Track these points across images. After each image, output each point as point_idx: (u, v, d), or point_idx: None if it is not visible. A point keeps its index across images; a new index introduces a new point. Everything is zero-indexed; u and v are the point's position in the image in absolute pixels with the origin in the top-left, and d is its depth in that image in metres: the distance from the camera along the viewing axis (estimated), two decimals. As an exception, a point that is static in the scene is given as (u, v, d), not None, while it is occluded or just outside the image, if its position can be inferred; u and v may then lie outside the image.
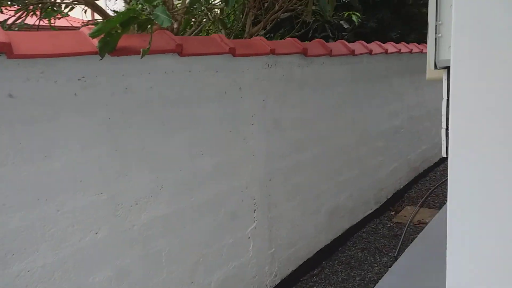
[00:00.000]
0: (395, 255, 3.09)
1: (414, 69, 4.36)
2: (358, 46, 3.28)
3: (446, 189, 0.81)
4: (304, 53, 2.57)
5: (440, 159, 5.48)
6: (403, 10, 4.76)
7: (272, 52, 2.29)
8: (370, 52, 3.35)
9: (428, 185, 4.65)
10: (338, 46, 3.07)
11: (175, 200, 1.86)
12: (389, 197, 4.03)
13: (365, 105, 3.47)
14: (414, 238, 3.24)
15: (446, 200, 0.80)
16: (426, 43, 1.05)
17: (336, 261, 3.04)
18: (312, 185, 2.88)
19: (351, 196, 3.39)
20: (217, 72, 2.04)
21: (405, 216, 3.82)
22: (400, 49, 3.82)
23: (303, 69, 2.68)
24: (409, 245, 2.37)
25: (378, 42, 3.60)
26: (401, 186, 4.30)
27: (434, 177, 4.95)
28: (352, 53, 3.11)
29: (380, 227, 3.62)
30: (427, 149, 4.98)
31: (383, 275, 2.11)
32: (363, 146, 3.50)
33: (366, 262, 3.02)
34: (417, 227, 3.52)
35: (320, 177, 2.97)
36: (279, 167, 2.51)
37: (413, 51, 4.13)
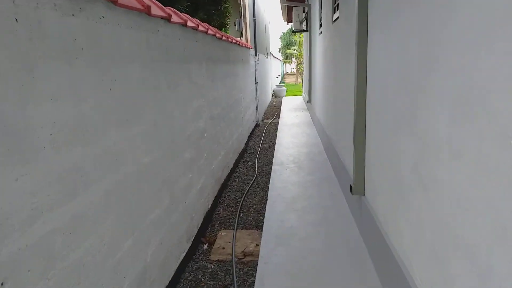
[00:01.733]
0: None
1: (210, 55, 3.50)
2: (153, 5, 2.04)
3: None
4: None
5: (233, 164, 4.94)
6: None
7: None
8: (168, 18, 2.18)
9: (234, 197, 3.94)
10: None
11: None
12: (200, 225, 3.01)
13: (169, 100, 2.28)
14: (250, 284, 2.33)
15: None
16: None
17: None
18: (102, 253, 1.46)
19: (162, 243, 2.14)
20: None
21: (223, 248, 2.89)
22: (198, 25, 2.83)
23: (64, 20, 1.23)
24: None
25: (173, 9, 2.47)
26: (209, 206, 3.36)
27: (235, 187, 4.31)
28: (148, 11, 1.86)
29: (200, 275, 2.53)
30: (226, 154, 4.29)
31: None
32: (171, 162, 2.29)
33: None
34: (246, 264, 2.65)
35: (113, 235, 1.57)
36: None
37: (208, 32, 3.24)
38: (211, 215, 3.39)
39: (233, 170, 4.81)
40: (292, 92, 19.62)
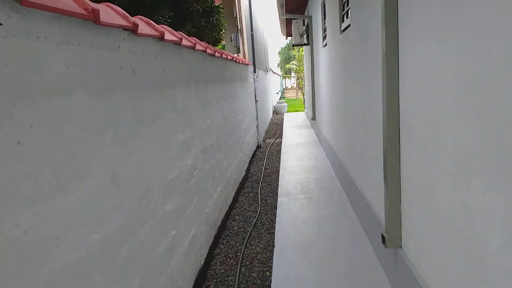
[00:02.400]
0: None
1: (200, 76, 2.92)
2: (106, 10, 1.44)
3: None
4: None
5: (233, 197, 4.30)
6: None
7: None
8: (133, 29, 1.58)
9: (233, 243, 3.29)
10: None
11: None
12: (190, 292, 2.34)
13: (139, 139, 1.66)
14: None
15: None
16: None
17: None
18: None
19: None
20: None
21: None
22: (181, 39, 2.24)
23: None
24: None
25: (144, 18, 1.88)
26: (202, 262, 2.71)
27: (235, 228, 3.66)
28: (94, 17, 1.26)
29: None
30: (223, 190, 3.65)
31: None
32: (142, 226, 1.66)
33: None
34: None
35: None
36: None
37: (196, 48, 2.65)
38: (205, 273, 2.73)
39: (232, 206, 4.16)
40: (293, 108, 19.09)
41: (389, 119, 2.06)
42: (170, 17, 2.78)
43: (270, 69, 15.39)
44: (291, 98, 31.10)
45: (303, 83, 23.58)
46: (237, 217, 4.00)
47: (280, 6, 8.59)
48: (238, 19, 6.58)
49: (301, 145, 7.74)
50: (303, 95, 17.29)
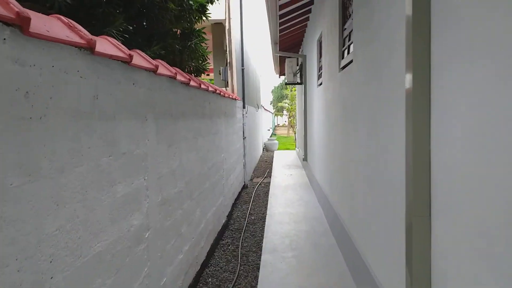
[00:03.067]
0: None
1: (166, 108, 2.33)
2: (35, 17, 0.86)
3: None
4: None
5: (208, 252, 3.58)
6: None
7: None
8: (20, 24, 1.00)
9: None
10: None
11: None
12: None
13: (35, 200, 1.02)
14: None
15: None
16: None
17: None
18: None
19: None
20: None
21: None
22: (130, 56, 1.66)
23: None
24: None
25: (58, 16, 1.30)
26: None
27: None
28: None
29: None
30: (193, 247, 2.95)
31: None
32: None
33: None
34: None
35: None
36: None
37: (159, 72, 2.07)
38: None
39: (205, 264, 3.44)
40: (284, 145, 18.61)
41: (416, 184, 1.45)
42: (131, 34, 2.22)
43: (262, 106, 15.04)
44: (282, 135, 30.80)
45: (294, 121, 23.35)
46: (210, 279, 3.27)
47: (274, 43, 8.28)
48: (228, 52, 6.15)
49: (291, 188, 7.10)
50: (295, 133, 16.88)
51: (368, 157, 2.55)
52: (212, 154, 3.92)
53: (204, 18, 3.79)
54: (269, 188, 7.22)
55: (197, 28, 3.39)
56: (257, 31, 12.43)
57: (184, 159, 2.80)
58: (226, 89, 6.45)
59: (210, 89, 3.59)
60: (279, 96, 41.26)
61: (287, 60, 9.48)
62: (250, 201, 6.23)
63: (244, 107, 7.26)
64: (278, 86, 42.22)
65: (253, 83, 10.22)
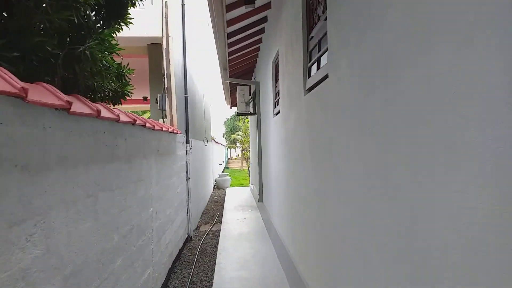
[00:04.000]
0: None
1: (30, 154, 1.14)
2: None
3: None
4: None
5: None
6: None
7: None
8: None
9: None
10: None
11: None
12: None
13: None
14: None
15: None
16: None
17: None
18: None
19: None
20: None
21: None
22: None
23: None
24: None
25: None
26: None
27: None
28: None
29: None
30: None
31: None
32: None
33: None
34: None
35: None
36: None
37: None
38: None
39: None
40: (237, 181, 17.45)
41: None
42: None
43: (212, 139, 13.91)
44: (236, 168, 29.67)
45: (248, 154, 22.40)
46: None
47: (223, 68, 7.33)
48: (165, 76, 5.04)
49: (245, 238, 5.91)
50: (248, 167, 15.85)
51: (364, 205, 1.52)
52: (130, 213, 2.70)
53: (125, 27, 2.70)
54: (218, 239, 5.98)
55: (115, 45, 2.29)
56: (206, 55, 11.49)
57: (60, 239, 1.58)
58: (163, 121, 5.28)
59: (124, 119, 2.43)
60: (232, 128, 40.37)
61: (238, 88, 8.55)
62: (194, 261, 4.94)
63: (188, 142, 6.10)
64: (231, 118, 41.46)
65: (200, 114, 9.12)
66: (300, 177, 3.27)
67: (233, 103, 12.40)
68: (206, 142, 9.86)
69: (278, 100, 4.84)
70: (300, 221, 3.36)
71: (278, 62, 4.68)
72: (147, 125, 3.11)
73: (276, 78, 5.03)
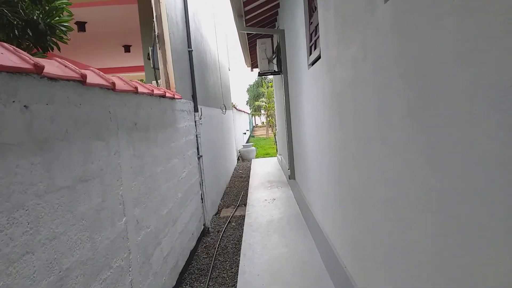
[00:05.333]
0: None
1: None
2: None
3: None
4: None
5: None
6: None
7: None
8: None
9: None
10: None
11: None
12: None
13: None
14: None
15: None
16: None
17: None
18: None
19: None
20: None
21: None
22: None
23: None
24: None
25: None
26: None
27: None
28: None
29: None
30: None
31: None
32: None
33: None
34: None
35: None
36: None
37: None
38: None
39: None
40: (263, 150, 16.15)
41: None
42: None
43: (233, 106, 12.50)
44: (261, 136, 28.34)
45: (273, 120, 20.89)
46: None
47: (237, 15, 5.79)
48: (155, 19, 3.61)
49: (275, 229, 4.61)
50: (274, 135, 14.45)
51: None
52: (53, 251, 1.39)
53: None
54: (242, 231, 4.72)
55: None
56: (220, 6, 9.83)
57: None
58: (157, 84, 3.90)
59: (23, 66, 1.05)
60: (255, 94, 38.42)
61: (258, 42, 7.00)
62: (209, 268, 3.70)
63: (196, 110, 4.74)
64: (253, 84, 39.52)
65: (214, 76, 7.67)
66: (357, 146, 1.86)
67: (254, 64, 10.83)
68: (224, 110, 8.48)
69: (315, 41, 3.33)
70: (358, 213, 1.97)
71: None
72: (95, 81, 1.73)
73: (311, 10, 3.48)
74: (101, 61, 9.22)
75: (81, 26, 5.39)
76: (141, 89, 2.43)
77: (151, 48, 3.89)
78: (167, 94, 3.22)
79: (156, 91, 2.83)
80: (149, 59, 4.07)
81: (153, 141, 2.77)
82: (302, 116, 4.44)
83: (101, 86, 1.83)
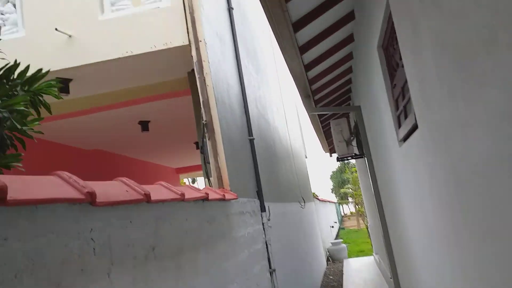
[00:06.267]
0: None
1: None
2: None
3: None
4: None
5: None
6: None
7: None
8: None
9: None
10: None
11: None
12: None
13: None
14: None
15: None
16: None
17: None
18: None
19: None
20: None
21: None
22: None
23: None
24: None
25: None
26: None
27: None
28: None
29: None
30: None
31: None
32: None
33: None
34: None
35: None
36: None
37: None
38: None
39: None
40: (356, 246, 14.16)
41: None
42: None
43: (314, 197, 11.41)
44: (352, 228, 25.77)
45: (363, 210, 18.89)
46: None
47: (304, 96, 5.21)
48: (202, 104, 3.10)
49: None
50: (367, 227, 12.65)
51: None
52: None
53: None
54: None
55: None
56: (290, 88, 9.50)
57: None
58: (209, 182, 3.22)
59: None
60: (340, 181, 36.46)
61: (332, 124, 6.24)
62: None
63: (263, 210, 3.89)
64: (337, 170, 37.94)
65: (287, 165, 6.92)
66: None
67: (332, 149, 9.98)
68: (303, 204, 7.48)
69: (405, 107, 2.41)
70: None
71: (393, 21, 2.34)
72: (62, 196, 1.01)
73: (391, 69, 2.63)
74: (174, 159, 9.22)
75: (144, 125, 5.20)
76: (157, 194, 1.69)
77: (202, 138, 3.32)
78: (213, 196, 2.45)
79: (190, 195, 2.08)
80: (202, 153, 3.48)
81: (190, 268, 1.93)
82: (400, 211, 3.29)
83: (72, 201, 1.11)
